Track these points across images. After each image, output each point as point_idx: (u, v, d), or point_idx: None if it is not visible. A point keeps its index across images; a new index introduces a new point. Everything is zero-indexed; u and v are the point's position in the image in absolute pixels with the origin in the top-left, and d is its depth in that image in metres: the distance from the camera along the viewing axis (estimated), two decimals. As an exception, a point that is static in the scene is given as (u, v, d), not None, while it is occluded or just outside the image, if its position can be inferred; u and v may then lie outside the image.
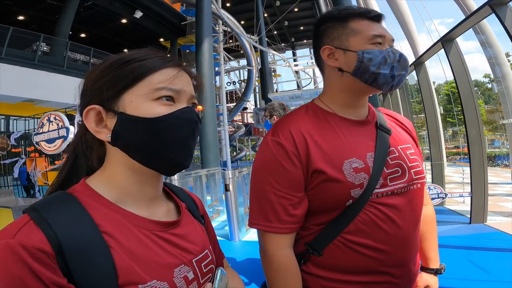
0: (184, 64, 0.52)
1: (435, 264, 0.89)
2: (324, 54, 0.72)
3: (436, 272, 0.89)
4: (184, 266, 0.49)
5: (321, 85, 17.88)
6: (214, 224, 4.86)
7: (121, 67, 0.47)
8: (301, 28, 24.80)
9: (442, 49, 4.30)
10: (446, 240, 3.58)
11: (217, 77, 14.44)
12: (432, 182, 5.26)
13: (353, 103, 0.74)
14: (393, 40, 0.71)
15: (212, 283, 0.52)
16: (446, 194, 4.37)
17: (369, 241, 0.68)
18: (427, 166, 6.04)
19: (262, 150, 0.72)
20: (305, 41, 26.63)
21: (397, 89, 7.60)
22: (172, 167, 0.49)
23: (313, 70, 20.01)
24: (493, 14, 3.11)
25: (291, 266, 0.70)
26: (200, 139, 9.37)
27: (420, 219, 0.77)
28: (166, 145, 0.47)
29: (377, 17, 0.72)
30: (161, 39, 17.56)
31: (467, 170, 4.45)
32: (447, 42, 4.21)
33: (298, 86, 19.80)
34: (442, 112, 10.04)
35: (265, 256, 0.72)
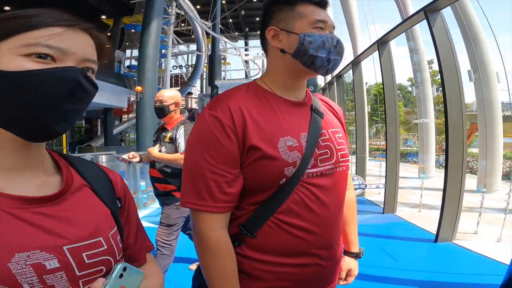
0: (91, 26, 0.45)
1: (355, 248, 0.91)
2: (269, 35, 0.72)
3: (356, 255, 0.91)
4: (41, 252, 0.39)
5: None
6: (148, 211, 4.42)
7: (5, 21, 0.42)
8: (257, 19, 24.47)
9: (378, 52, 4.40)
10: (363, 228, 3.71)
11: (163, 60, 13.78)
12: (356, 174, 5.47)
13: (292, 84, 0.74)
14: (334, 27, 0.72)
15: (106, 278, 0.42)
16: (366, 185, 4.55)
17: (299, 222, 0.68)
18: (352, 159, 6.32)
19: (198, 124, 0.68)
20: (259, 32, 26.41)
21: (335, 86, 7.81)
22: (37, 131, 0.41)
23: (262, 61, 20.12)
24: (425, 21, 3.15)
25: (225, 248, 0.66)
26: (136, 121, 8.67)
27: (344, 201, 0.78)
28: (29, 105, 0.40)
29: (323, 3, 0.72)
30: (103, 16, 15.63)
31: (384, 164, 4.67)
32: (382, 44, 4.31)
33: (246, 75, 19.65)
34: (369, 110, 10.75)
35: (198, 237, 0.67)
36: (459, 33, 6.21)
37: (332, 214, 0.72)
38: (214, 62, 17.82)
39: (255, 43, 28.66)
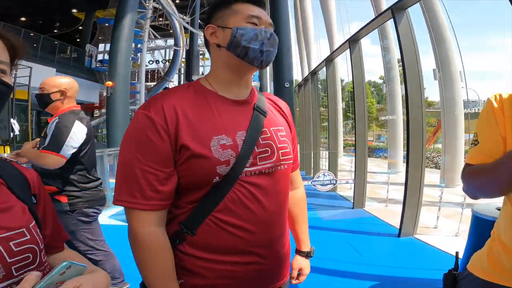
0: None
1: (306, 247, 0.93)
2: (207, 33, 0.74)
3: (306, 255, 0.93)
4: None
5: None
6: (117, 209, 4.16)
7: None
8: None
9: (349, 49, 4.42)
10: (333, 223, 3.74)
11: (139, 54, 13.45)
12: (328, 169, 5.53)
13: (233, 81, 0.74)
14: (270, 24, 0.75)
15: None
16: (336, 180, 4.59)
17: (237, 221, 0.69)
18: (326, 154, 6.38)
19: (132, 123, 0.68)
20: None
21: (309, 84, 7.82)
22: None
23: None
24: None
25: (157, 244, 0.66)
26: (107, 116, 8.38)
27: (286, 200, 0.79)
28: None
29: (258, 1, 0.75)
30: (74, 10, 14.82)
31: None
32: (353, 42, 4.34)
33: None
34: (344, 107, 10.93)
35: (130, 234, 0.68)
36: (430, 33, 6.39)
37: (272, 213, 0.73)
38: (192, 57, 17.42)
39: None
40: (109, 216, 3.92)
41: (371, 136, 26.11)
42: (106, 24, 13.75)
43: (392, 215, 3.88)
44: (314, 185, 4.41)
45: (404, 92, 3.20)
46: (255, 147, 0.71)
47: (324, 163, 6.73)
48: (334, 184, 4.57)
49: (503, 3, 1.85)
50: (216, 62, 0.75)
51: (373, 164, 11.01)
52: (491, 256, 0.73)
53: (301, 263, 0.92)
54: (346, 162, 8.29)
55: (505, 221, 0.71)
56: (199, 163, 0.66)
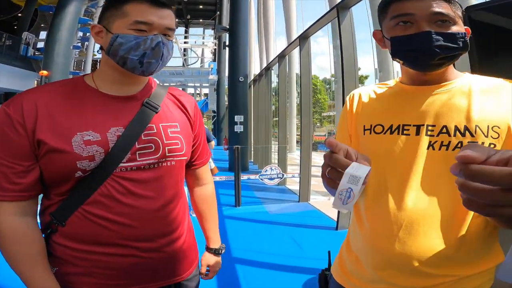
0: None
1: (215, 243, 0.93)
2: (93, 31, 0.72)
3: (215, 252, 0.93)
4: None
5: (207, 65, 17.67)
6: None
7: None
8: (200, 7, 23.44)
9: (299, 46, 4.44)
10: (279, 217, 3.74)
11: (86, 43, 13.08)
12: (278, 163, 5.56)
13: (119, 79, 0.73)
14: (167, 28, 0.71)
15: None
16: (283, 174, 4.61)
17: (108, 214, 0.69)
18: (275, 148, 6.42)
19: None
20: (201, 20, 25.50)
21: (263, 79, 7.79)
22: None
23: (202, 50, 19.44)
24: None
25: (16, 232, 0.66)
26: None
27: (176, 196, 0.78)
28: None
29: (157, 2, 0.70)
30: None
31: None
32: (303, 39, 4.36)
33: (183, 64, 18.68)
34: (298, 102, 11.18)
35: None
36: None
37: (152, 207, 0.72)
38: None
39: (195, 31, 27.45)
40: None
41: (323, 131, 27.32)
42: (51, 12, 12.60)
43: (333, 208, 4.00)
44: (261, 179, 4.38)
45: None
46: (136, 143, 0.70)
47: (275, 157, 6.77)
48: (281, 178, 4.59)
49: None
50: (102, 62, 0.74)
51: (320, 158, 11.46)
52: (340, 258, 0.75)
53: (209, 260, 0.92)
54: (298, 156, 8.47)
55: (352, 225, 0.74)
56: (57, 158, 0.66)
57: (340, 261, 0.75)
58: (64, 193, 0.70)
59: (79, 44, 12.70)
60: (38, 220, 0.72)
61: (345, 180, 0.42)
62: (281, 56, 5.81)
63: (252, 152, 9.09)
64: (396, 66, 6.47)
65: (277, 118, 6.82)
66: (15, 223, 0.67)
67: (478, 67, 1.13)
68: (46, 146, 0.65)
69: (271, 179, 4.46)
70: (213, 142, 5.05)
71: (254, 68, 17.54)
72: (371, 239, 0.65)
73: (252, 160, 8.94)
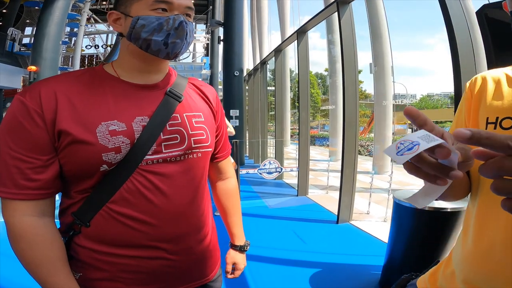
0: None
1: (240, 240, 0.89)
2: (110, 20, 0.68)
3: (240, 249, 0.89)
4: None
5: (199, 59, 17.40)
6: None
7: None
8: (192, 1, 22.94)
9: (296, 41, 4.40)
10: (278, 211, 3.73)
11: (74, 38, 12.96)
12: (275, 157, 5.54)
13: (141, 67, 0.68)
14: (188, 7, 0.67)
15: None
16: (282, 168, 4.60)
17: (135, 213, 0.64)
18: (273, 142, 6.40)
19: (8, 110, 0.63)
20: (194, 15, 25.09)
21: (259, 73, 7.71)
22: None
23: (194, 44, 19.17)
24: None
25: (33, 234, 0.60)
26: None
27: (202, 192, 0.73)
28: None
29: None
30: None
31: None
32: (300, 33, 4.33)
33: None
34: (292, 96, 11.16)
35: (5, 224, 0.62)
36: (370, 29, 6.69)
37: (180, 205, 0.67)
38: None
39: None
40: None
41: (316, 125, 27.46)
42: (37, 8, 12.29)
43: (332, 202, 4.02)
44: (260, 173, 4.35)
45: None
46: (161, 134, 0.65)
47: (271, 151, 6.76)
48: (280, 172, 4.57)
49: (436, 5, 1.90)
50: (122, 50, 0.69)
51: (316, 152, 11.54)
52: (436, 269, 0.64)
53: (235, 258, 0.88)
54: (292, 150, 8.49)
55: (459, 234, 0.61)
56: (81, 150, 0.60)
57: (434, 272, 0.65)
58: (86, 190, 0.64)
59: (67, 40, 12.38)
60: (57, 221, 0.67)
61: (417, 135, 0.33)
62: (278, 50, 5.77)
63: (247, 146, 9.05)
64: (391, 62, 6.48)
65: (272, 112, 6.79)
66: (33, 224, 0.61)
67: (495, 62, 1.12)
68: (69, 137, 0.60)
69: (269, 173, 4.44)
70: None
71: (248, 63, 17.41)
72: (472, 255, 0.54)
73: (247, 155, 8.91)
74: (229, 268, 0.87)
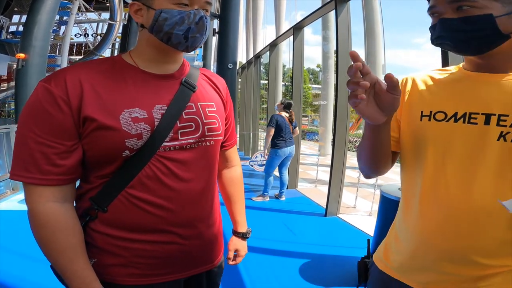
0: None
1: (242, 227, 0.90)
2: (131, 10, 0.69)
3: (242, 236, 0.90)
4: None
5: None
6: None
7: None
8: None
9: (292, 36, 4.39)
10: (268, 203, 3.76)
11: (63, 27, 12.77)
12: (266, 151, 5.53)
13: (158, 58, 0.70)
14: (207, 2, 0.67)
15: None
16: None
17: (152, 198, 0.65)
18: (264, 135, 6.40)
19: (31, 95, 0.62)
20: None
21: (252, 66, 7.65)
22: None
23: None
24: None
25: (56, 220, 0.61)
26: (16, 90, 7.36)
27: (213, 178, 0.75)
28: None
29: None
30: None
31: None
32: (297, 29, 4.33)
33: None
34: (284, 91, 11.14)
35: (28, 209, 0.62)
36: (365, 26, 6.71)
37: (194, 190, 0.69)
38: (130, 33, 15.62)
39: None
40: (19, 201, 3.36)
41: (306, 120, 27.58)
42: None
43: (320, 195, 4.08)
44: (251, 165, 4.36)
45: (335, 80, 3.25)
46: (177, 122, 0.67)
47: (262, 144, 6.77)
48: (270, 166, 4.60)
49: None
50: (141, 41, 0.70)
51: (306, 147, 11.63)
52: (386, 246, 0.71)
53: (237, 244, 0.89)
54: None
55: (400, 211, 0.70)
56: (105, 135, 0.61)
57: (385, 249, 0.71)
58: (106, 175, 0.64)
59: (56, 28, 11.99)
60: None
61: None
62: (273, 45, 5.75)
63: (238, 138, 9.05)
64: (383, 60, 6.54)
65: (264, 106, 6.78)
66: (53, 209, 0.61)
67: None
68: (94, 123, 0.60)
69: (260, 165, 4.46)
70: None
71: (242, 56, 17.21)
72: (423, 231, 0.61)
73: (238, 147, 8.91)
74: (231, 254, 0.88)
